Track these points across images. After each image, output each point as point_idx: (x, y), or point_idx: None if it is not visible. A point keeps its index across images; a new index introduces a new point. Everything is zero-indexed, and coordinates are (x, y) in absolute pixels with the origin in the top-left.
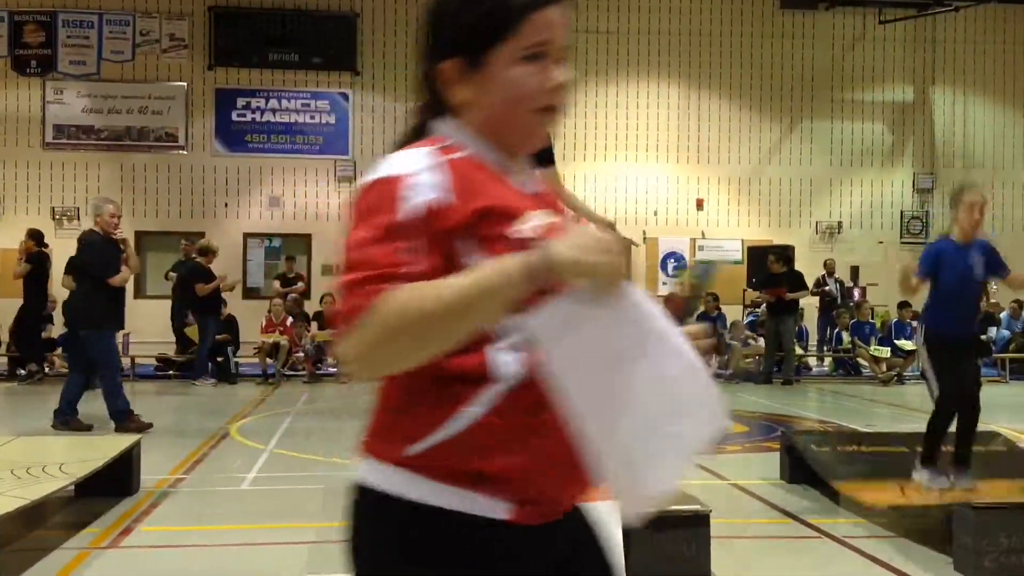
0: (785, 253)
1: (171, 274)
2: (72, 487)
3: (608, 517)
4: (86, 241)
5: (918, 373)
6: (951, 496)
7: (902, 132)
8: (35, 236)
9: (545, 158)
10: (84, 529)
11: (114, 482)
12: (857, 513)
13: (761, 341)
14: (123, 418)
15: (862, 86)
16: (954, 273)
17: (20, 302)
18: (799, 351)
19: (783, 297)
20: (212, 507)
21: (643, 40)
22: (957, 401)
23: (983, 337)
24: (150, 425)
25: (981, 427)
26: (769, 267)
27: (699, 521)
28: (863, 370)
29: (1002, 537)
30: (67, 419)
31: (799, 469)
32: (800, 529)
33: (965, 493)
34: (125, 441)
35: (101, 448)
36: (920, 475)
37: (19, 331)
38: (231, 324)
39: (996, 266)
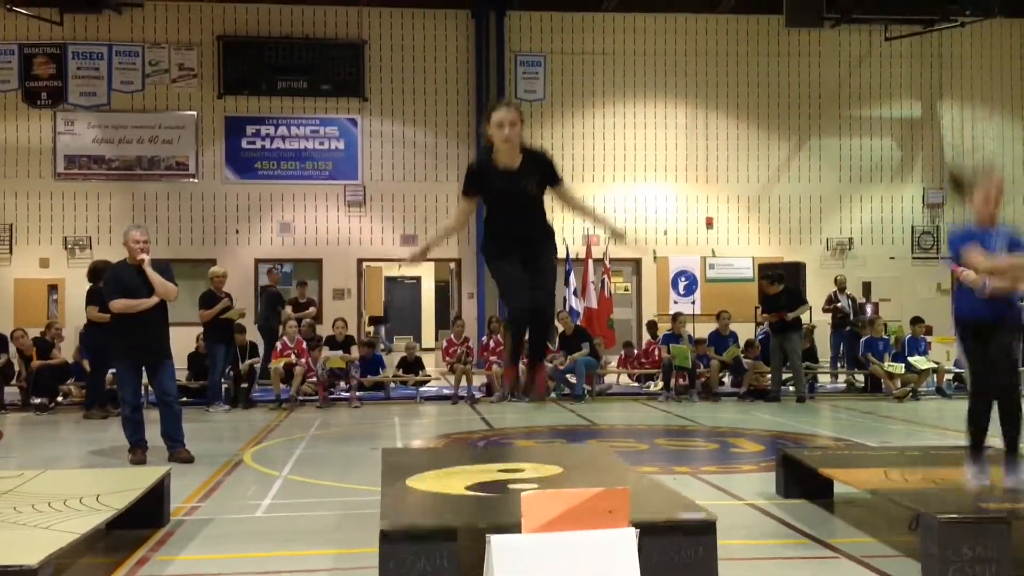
0: (778, 273)
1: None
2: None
3: (623, 543)
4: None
5: (933, 389)
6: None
7: (911, 147)
8: None
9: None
10: (102, 558)
11: (145, 514)
12: (851, 525)
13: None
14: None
15: (869, 103)
16: None
17: (37, 331)
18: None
19: (784, 318)
20: (227, 535)
21: (650, 61)
22: (989, 389)
23: None
24: (143, 461)
25: None
26: (765, 290)
27: (705, 528)
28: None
29: (965, 548)
30: (172, 447)
31: (794, 484)
32: (798, 544)
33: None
34: (156, 473)
35: (132, 480)
36: (968, 469)
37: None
38: (250, 351)
39: (1016, 248)
